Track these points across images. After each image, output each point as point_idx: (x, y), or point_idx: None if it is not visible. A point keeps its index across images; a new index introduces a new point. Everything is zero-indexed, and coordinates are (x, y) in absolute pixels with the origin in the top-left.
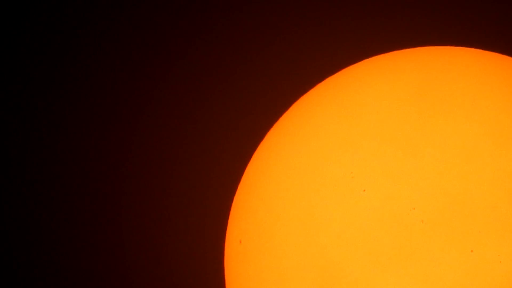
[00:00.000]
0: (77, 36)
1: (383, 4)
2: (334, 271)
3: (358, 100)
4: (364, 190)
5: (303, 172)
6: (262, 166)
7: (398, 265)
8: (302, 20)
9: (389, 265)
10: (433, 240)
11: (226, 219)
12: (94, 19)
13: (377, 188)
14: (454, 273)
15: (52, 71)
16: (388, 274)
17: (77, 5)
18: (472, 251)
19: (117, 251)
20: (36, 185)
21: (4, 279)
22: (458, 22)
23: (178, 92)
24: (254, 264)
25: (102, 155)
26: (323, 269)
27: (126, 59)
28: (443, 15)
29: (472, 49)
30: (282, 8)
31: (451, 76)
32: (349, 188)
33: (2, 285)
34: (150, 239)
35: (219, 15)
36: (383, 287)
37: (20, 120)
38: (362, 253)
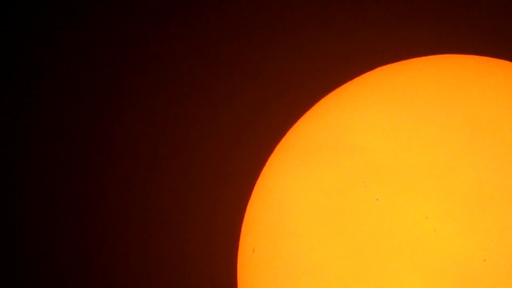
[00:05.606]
0: (81, 39)
1: (395, 12)
2: (348, 280)
3: (371, 108)
4: (377, 199)
5: (316, 181)
6: (275, 175)
7: (410, 274)
8: (319, 30)
9: (402, 273)
10: (446, 249)
11: (239, 228)
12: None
13: (390, 197)
14: (467, 282)
15: (54, 72)
16: (401, 283)
17: (75, 4)
18: (485, 260)
19: (129, 259)
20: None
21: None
22: (472, 30)
23: (191, 99)
24: (267, 274)
25: (111, 162)
26: (337, 278)
27: (140, 61)
28: (456, 23)
29: (484, 58)
30: (293, 16)
31: (465, 84)
32: (362, 197)
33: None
34: (162, 248)
35: (237, 25)
36: None
37: (18, 121)
38: (375, 262)
